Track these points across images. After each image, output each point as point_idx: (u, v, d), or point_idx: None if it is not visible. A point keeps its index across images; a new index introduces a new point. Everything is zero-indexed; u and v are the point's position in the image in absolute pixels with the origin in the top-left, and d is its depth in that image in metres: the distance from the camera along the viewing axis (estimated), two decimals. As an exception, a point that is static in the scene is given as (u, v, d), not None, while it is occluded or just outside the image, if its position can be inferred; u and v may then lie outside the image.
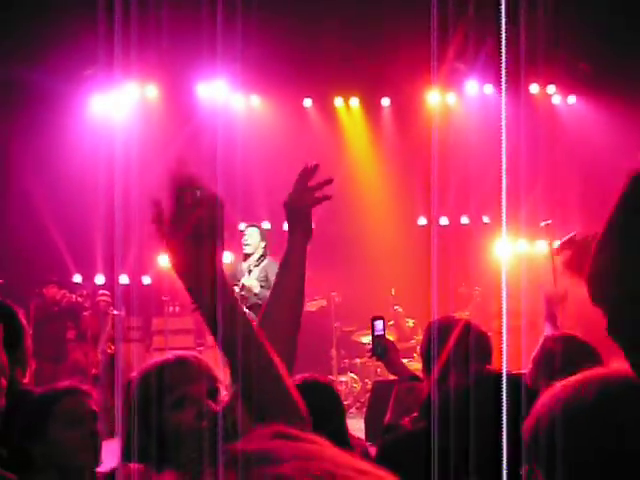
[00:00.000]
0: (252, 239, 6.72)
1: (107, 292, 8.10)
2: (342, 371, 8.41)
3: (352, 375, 8.36)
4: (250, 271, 6.68)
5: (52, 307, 7.80)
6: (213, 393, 1.79)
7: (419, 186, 8.86)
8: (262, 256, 6.69)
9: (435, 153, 7.16)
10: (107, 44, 6.38)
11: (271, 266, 6.44)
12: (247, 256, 6.75)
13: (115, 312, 7.96)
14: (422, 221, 9.68)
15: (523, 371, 2.46)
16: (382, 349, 2.97)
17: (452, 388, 1.69)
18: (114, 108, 9.01)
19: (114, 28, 6.03)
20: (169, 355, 1.85)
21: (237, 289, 6.45)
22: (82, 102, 9.10)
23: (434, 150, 7.10)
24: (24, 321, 2.45)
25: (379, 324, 2.99)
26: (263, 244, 6.74)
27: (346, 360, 8.58)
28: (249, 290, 6.51)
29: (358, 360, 8.45)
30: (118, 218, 6.17)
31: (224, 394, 1.80)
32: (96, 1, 6.09)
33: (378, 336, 2.97)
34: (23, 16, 7.62)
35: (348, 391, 8.07)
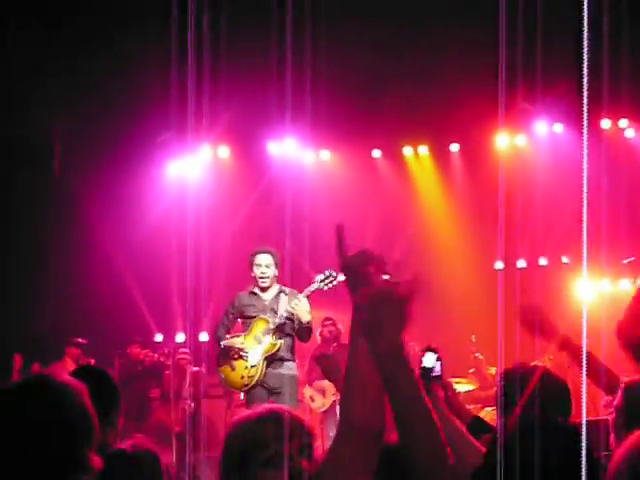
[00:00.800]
0: (270, 271, 6.06)
1: (187, 350, 8.21)
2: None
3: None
4: (278, 297, 6.05)
5: (136, 367, 7.95)
6: (306, 450, 1.72)
7: (494, 230, 8.74)
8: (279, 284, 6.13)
9: (503, 195, 7.08)
10: (180, 110, 6.61)
11: (293, 296, 5.98)
12: (264, 288, 6.08)
13: (195, 369, 8.04)
14: (499, 265, 9.51)
15: (602, 417, 2.37)
16: (428, 382, 2.69)
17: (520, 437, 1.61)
18: (189, 171, 9.28)
19: (187, 93, 6.26)
20: (263, 409, 1.82)
21: (280, 318, 5.93)
22: (158, 167, 9.40)
23: (502, 192, 7.01)
24: (115, 384, 2.50)
25: (432, 357, 2.75)
26: (277, 271, 6.15)
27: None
28: (298, 319, 5.90)
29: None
30: (194, 275, 6.30)
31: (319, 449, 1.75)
32: (169, 68, 6.35)
33: (433, 377, 2.73)
34: (97, 80, 7.96)
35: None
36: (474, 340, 8.49)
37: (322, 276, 5.98)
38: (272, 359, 5.95)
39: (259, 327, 6.00)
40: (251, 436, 1.72)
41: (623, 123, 9.77)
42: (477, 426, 2.79)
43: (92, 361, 7.68)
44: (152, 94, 7.45)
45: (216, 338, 6.13)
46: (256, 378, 5.89)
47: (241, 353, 5.96)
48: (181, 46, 5.97)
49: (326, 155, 9.87)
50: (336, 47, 7.68)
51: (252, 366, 5.93)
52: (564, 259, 9.05)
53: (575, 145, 9.83)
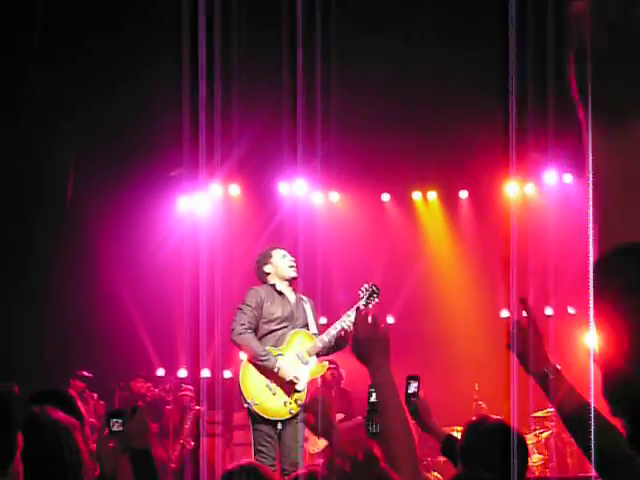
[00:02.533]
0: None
1: (191, 387, 8.17)
2: (425, 469, 8.14)
3: (436, 474, 8.07)
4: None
5: (137, 400, 7.91)
6: None
7: (500, 278, 8.73)
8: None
9: (515, 244, 7.09)
10: (192, 146, 6.70)
11: (311, 303, 5.42)
12: (290, 282, 5.34)
13: (197, 407, 8.00)
14: (504, 313, 9.48)
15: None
16: (412, 408, 3.01)
17: None
18: (199, 207, 9.35)
19: (198, 130, 6.35)
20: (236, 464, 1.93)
21: (329, 336, 5.20)
22: (169, 203, 9.48)
23: (513, 241, 7.02)
24: (78, 408, 2.53)
25: (414, 383, 3.07)
26: None
27: (429, 458, 8.31)
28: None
29: (441, 458, 8.18)
30: (202, 313, 6.31)
31: None
32: (181, 108, 6.44)
33: (411, 394, 3.04)
34: (111, 116, 8.07)
35: (432, 491, 7.78)
36: (477, 389, 8.43)
37: (366, 292, 5.32)
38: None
39: (302, 344, 5.15)
40: None
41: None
42: (450, 444, 3.03)
43: (95, 395, 7.65)
44: (166, 130, 7.55)
45: (252, 348, 5.10)
46: (302, 404, 5.00)
47: (293, 378, 5.04)
48: (195, 84, 6.07)
49: (335, 197, 9.93)
50: (348, 90, 7.78)
51: (298, 391, 5.05)
52: (570, 309, 9.02)
53: (584, 195, 9.85)
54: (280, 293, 5.25)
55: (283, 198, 9.59)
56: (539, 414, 7.63)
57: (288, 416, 5.07)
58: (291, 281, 5.31)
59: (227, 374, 8.48)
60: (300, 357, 5.14)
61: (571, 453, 7.58)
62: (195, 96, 6.06)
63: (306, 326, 5.24)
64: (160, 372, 8.81)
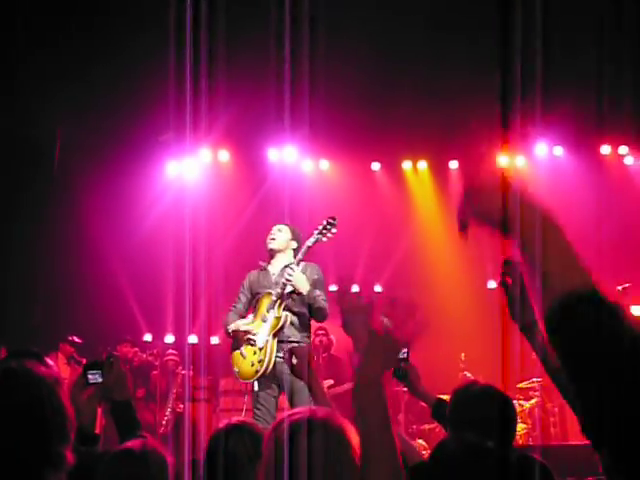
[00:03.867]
0: (281, 235, 5.43)
1: (175, 352, 8.20)
2: (410, 437, 8.23)
3: (420, 441, 8.17)
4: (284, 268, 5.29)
5: (124, 365, 7.92)
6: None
7: (488, 249, 8.76)
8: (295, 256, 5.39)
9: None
10: (180, 111, 6.64)
11: (309, 269, 5.32)
12: (272, 254, 5.42)
13: (183, 372, 8.04)
14: (492, 284, 9.53)
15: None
16: (402, 373, 3.09)
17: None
18: (188, 172, 9.29)
19: (187, 96, 6.29)
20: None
21: (278, 289, 5.25)
22: (157, 167, 9.41)
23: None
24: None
25: (403, 349, 3.04)
26: (295, 244, 5.45)
27: (414, 426, 8.40)
28: (297, 289, 5.21)
29: (427, 426, 8.27)
30: (189, 279, 6.30)
31: None
32: (169, 70, 6.37)
33: (400, 359, 3.06)
34: (100, 83, 7.99)
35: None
36: (463, 358, 8.49)
37: (320, 227, 5.35)
38: (281, 336, 5.22)
39: (264, 304, 5.30)
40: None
41: (623, 150, 9.83)
42: (440, 408, 3.03)
43: (84, 361, 7.66)
44: (154, 95, 7.47)
45: (225, 325, 5.43)
46: (266, 362, 5.13)
47: (249, 336, 5.22)
48: (183, 50, 6.00)
49: (325, 165, 9.89)
50: (339, 59, 7.72)
51: (260, 349, 5.20)
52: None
53: (574, 168, 9.88)
54: (264, 269, 5.49)
55: (272, 165, 9.54)
56: (523, 385, 7.71)
57: (256, 376, 5.22)
58: (272, 253, 5.47)
59: (214, 340, 8.50)
60: (262, 316, 5.30)
61: (554, 423, 7.68)
62: (182, 62, 5.99)
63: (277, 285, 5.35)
64: (147, 337, 8.83)
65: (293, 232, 5.52)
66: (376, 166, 9.96)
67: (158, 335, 8.81)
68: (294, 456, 1.58)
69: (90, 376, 2.61)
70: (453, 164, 9.93)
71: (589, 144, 9.44)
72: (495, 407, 2.55)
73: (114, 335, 8.27)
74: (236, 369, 5.33)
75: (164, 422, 7.80)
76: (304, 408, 1.71)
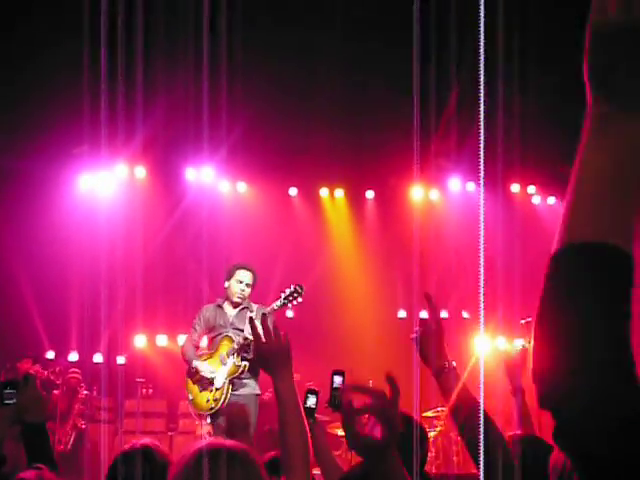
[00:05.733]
0: (249, 290, 5.93)
1: (78, 370, 7.97)
2: (315, 464, 8.21)
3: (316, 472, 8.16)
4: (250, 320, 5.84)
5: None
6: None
7: (400, 278, 8.91)
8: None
9: (417, 247, 7.24)
10: (95, 124, 6.51)
11: (269, 319, 5.49)
12: (237, 304, 5.88)
13: (85, 392, 7.82)
14: (402, 314, 9.68)
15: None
16: (338, 402, 3.11)
17: None
18: (102, 186, 9.10)
19: (101, 108, 6.18)
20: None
21: (244, 338, 5.71)
22: (69, 181, 9.17)
23: (415, 244, 7.18)
24: None
25: (338, 378, 3.21)
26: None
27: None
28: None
29: (336, 453, 8.28)
30: (100, 296, 6.15)
31: None
32: (83, 82, 6.26)
33: (336, 389, 3.16)
34: (13, 91, 7.78)
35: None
36: (371, 385, 8.56)
37: (288, 291, 5.73)
38: (235, 381, 5.76)
39: (224, 347, 5.79)
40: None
41: (531, 189, 10.23)
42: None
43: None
44: (69, 107, 7.31)
45: (185, 355, 5.89)
46: (221, 401, 5.67)
47: (209, 375, 5.75)
48: (99, 61, 5.91)
49: (242, 187, 9.88)
50: (258, 82, 7.75)
51: (217, 389, 5.73)
52: (464, 314, 9.30)
53: (486, 204, 10.18)
54: (220, 307, 5.95)
55: (190, 184, 9.46)
56: (428, 414, 7.84)
57: (210, 411, 5.74)
58: (235, 302, 5.92)
59: (120, 360, 8.31)
60: (221, 358, 5.81)
61: (457, 452, 7.83)
62: (99, 73, 5.89)
63: (242, 331, 5.79)
64: (50, 355, 8.54)
65: (254, 282, 5.95)
66: (293, 191, 10.02)
67: (61, 353, 8.54)
68: None
69: (4, 395, 2.48)
70: (369, 194, 10.09)
71: (499, 182, 9.77)
72: (408, 434, 2.59)
73: (15, 351, 7.96)
74: (190, 397, 5.85)
75: (64, 440, 7.56)
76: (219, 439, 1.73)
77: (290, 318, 9.64)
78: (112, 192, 9.07)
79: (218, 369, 5.76)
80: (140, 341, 8.83)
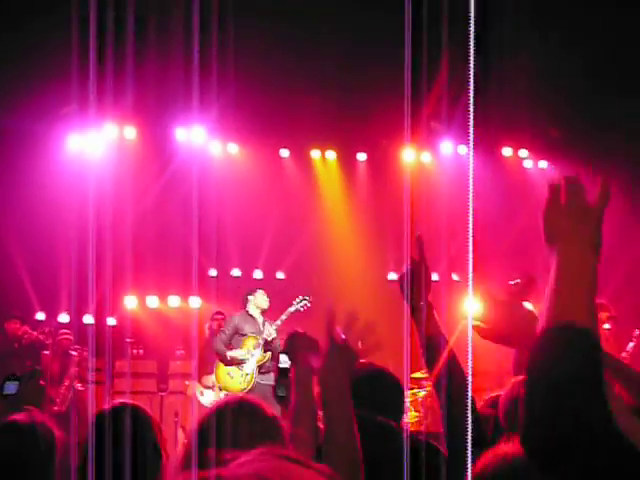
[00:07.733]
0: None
1: (69, 331, 7.98)
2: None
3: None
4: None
5: (12, 343, 7.65)
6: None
7: (391, 241, 8.92)
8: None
9: (409, 210, 7.23)
10: (84, 83, 6.42)
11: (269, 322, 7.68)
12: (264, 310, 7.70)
13: (74, 353, 7.84)
14: (392, 276, 9.71)
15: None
16: (285, 393, 2.65)
17: None
18: (91, 147, 9.01)
19: (90, 68, 6.09)
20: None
21: (267, 336, 7.56)
22: (58, 141, 9.08)
23: (407, 207, 7.17)
24: None
25: (284, 357, 2.63)
26: None
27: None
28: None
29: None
30: (89, 257, 6.13)
31: None
32: (72, 41, 6.15)
33: (283, 371, 2.70)
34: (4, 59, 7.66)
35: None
36: (360, 346, 8.62)
37: (298, 299, 7.69)
38: (261, 368, 7.52)
39: (250, 342, 7.55)
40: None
41: (523, 153, 10.20)
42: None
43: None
44: (57, 66, 7.20)
45: (218, 351, 7.53)
46: (252, 383, 7.45)
47: (241, 364, 7.50)
48: (88, 20, 5.81)
49: (233, 148, 9.81)
50: (251, 42, 7.65)
51: (247, 374, 7.51)
52: (454, 276, 9.33)
53: (476, 168, 10.15)
54: (253, 317, 7.68)
55: (180, 144, 9.38)
56: (417, 375, 7.91)
57: (241, 392, 7.05)
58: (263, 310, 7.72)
59: (111, 321, 8.32)
60: (249, 352, 7.54)
61: (444, 412, 7.92)
62: (88, 32, 5.78)
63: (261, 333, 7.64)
64: (40, 316, 8.54)
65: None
66: (285, 153, 9.95)
67: (52, 314, 8.54)
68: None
69: (7, 386, 2.46)
70: (361, 156, 10.04)
71: (492, 145, 9.74)
72: (388, 387, 2.63)
73: (3, 311, 7.96)
74: (221, 384, 7.52)
75: (58, 400, 7.60)
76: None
77: (281, 279, 9.66)
78: (101, 152, 8.98)
79: (247, 359, 7.49)
80: (130, 302, 8.84)
